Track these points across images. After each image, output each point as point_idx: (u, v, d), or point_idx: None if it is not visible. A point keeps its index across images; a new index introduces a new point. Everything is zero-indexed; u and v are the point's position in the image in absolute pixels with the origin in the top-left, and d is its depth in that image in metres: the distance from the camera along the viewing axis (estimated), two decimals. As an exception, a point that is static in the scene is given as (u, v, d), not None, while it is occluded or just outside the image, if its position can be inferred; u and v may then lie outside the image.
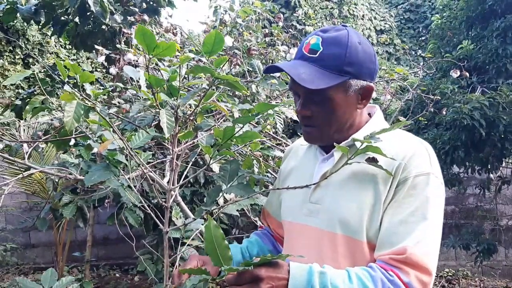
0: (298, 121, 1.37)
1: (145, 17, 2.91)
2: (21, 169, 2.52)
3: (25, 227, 5.05)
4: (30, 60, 6.92)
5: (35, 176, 3.77)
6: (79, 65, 1.06)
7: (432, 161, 1.01)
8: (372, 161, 0.95)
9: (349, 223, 1.00)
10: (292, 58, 1.16)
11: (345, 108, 1.03)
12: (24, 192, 4.54)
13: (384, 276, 0.91)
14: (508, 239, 4.84)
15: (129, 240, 1.88)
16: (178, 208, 1.70)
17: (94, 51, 2.76)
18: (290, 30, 4.87)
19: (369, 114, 1.14)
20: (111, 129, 1.13)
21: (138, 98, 2.16)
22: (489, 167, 3.64)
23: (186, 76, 1.42)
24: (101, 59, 2.56)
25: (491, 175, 4.17)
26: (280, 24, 3.38)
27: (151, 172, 1.29)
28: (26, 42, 6.84)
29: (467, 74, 3.28)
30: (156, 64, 1.61)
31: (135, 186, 1.29)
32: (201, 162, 2.58)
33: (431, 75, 4.21)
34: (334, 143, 1.00)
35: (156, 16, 3.59)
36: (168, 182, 1.43)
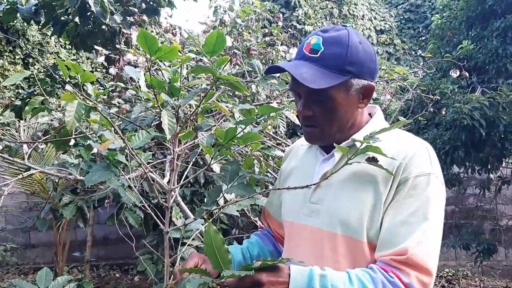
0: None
1: (144, 17, 2.91)
2: (21, 170, 2.52)
3: (25, 227, 5.05)
4: (30, 60, 6.92)
5: (35, 176, 3.77)
6: (79, 65, 1.06)
7: (432, 161, 1.01)
8: (372, 160, 0.95)
9: (350, 223, 1.00)
10: (292, 58, 1.16)
11: (347, 108, 1.03)
12: (24, 192, 4.54)
13: (384, 277, 0.91)
14: (508, 239, 4.84)
15: (129, 240, 1.88)
16: (178, 208, 1.70)
17: (94, 51, 2.76)
18: (290, 29, 4.87)
19: (369, 114, 1.14)
20: (113, 129, 1.13)
21: (138, 98, 2.16)
22: (489, 167, 3.64)
23: (186, 76, 1.42)
24: (101, 59, 2.56)
25: (491, 175, 4.17)
26: (280, 24, 3.38)
27: (152, 172, 1.29)
28: (26, 42, 6.84)
29: (467, 74, 3.28)
30: (156, 64, 1.61)
31: (135, 186, 1.29)
32: (201, 162, 2.58)
33: (431, 75, 4.21)
34: (334, 144, 1.00)
35: (156, 16, 3.59)
36: (168, 182, 1.43)
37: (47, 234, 4.96)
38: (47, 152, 4.13)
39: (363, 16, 9.80)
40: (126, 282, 4.86)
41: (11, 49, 6.77)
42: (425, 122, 3.80)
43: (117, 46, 3.18)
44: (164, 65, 1.50)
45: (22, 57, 6.87)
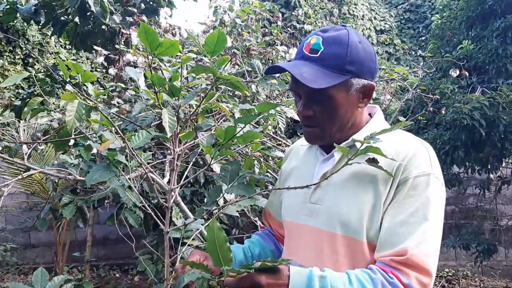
0: (298, 121, 1.37)
1: (144, 17, 2.90)
2: (21, 170, 2.52)
3: (25, 227, 5.06)
4: (30, 60, 6.91)
5: (35, 177, 3.76)
6: (79, 65, 1.06)
7: (432, 161, 1.01)
8: (373, 161, 0.95)
9: (349, 224, 1.00)
10: (292, 58, 1.16)
11: (347, 107, 1.03)
12: (24, 192, 4.54)
13: (384, 278, 0.91)
14: (508, 239, 4.84)
15: (129, 240, 1.88)
16: (178, 208, 1.69)
17: (93, 51, 2.76)
18: (290, 29, 4.87)
19: (369, 114, 1.14)
20: (113, 129, 1.13)
21: (138, 98, 2.15)
22: (489, 167, 3.65)
23: (186, 76, 1.42)
24: (100, 59, 2.55)
25: (491, 175, 4.17)
26: (280, 23, 3.38)
27: (152, 172, 1.29)
28: (26, 42, 6.84)
29: (467, 73, 3.27)
30: (156, 63, 1.61)
31: (135, 186, 1.29)
32: (201, 162, 2.58)
33: (431, 75, 4.21)
34: (334, 144, 1.00)
35: (156, 17, 3.58)
36: (168, 182, 1.43)
37: (47, 234, 4.96)
38: (47, 152, 4.13)
39: (363, 16, 9.80)
40: (126, 282, 4.86)
41: (11, 49, 6.77)
42: (425, 122, 3.80)
43: (117, 46, 3.18)
44: (165, 65, 1.50)
45: (22, 57, 6.87)
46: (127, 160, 1.17)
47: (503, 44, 3.61)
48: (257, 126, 1.31)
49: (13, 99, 6.20)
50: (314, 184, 1.07)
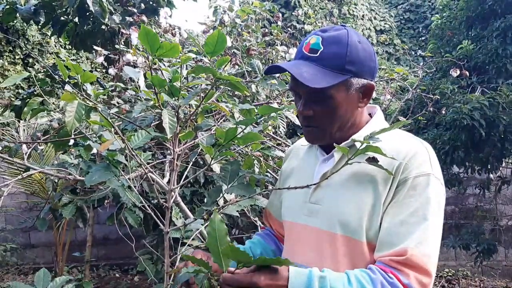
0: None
1: (144, 17, 2.90)
2: (21, 170, 2.52)
3: (25, 227, 5.05)
4: (30, 60, 6.91)
5: (34, 177, 3.76)
6: (79, 65, 1.06)
7: (432, 161, 1.01)
8: (373, 161, 0.94)
9: (349, 224, 1.00)
10: (292, 58, 1.16)
11: (347, 107, 1.03)
12: (24, 192, 4.53)
13: (383, 278, 0.91)
14: (508, 239, 4.84)
15: (129, 240, 1.88)
16: (177, 208, 1.69)
17: (93, 51, 2.76)
18: (289, 29, 4.87)
19: (369, 114, 1.14)
20: (113, 130, 1.13)
21: (138, 98, 2.15)
22: (489, 167, 3.65)
23: (186, 76, 1.42)
24: (100, 59, 2.55)
25: (491, 175, 4.17)
26: (280, 23, 3.38)
27: (152, 172, 1.29)
28: (26, 42, 6.84)
29: (467, 73, 3.27)
30: (156, 64, 1.61)
31: (135, 187, 1.29)
32: (201, 162, 2.58)
33: (431, 75, 4.21)
34: (334, 144, 1.00)
35: (155, 17, 3.58)
36: (168, 182, 1.43)
37: (47, 234, 4.96)
38: (46, 152, 4.12)
39: (363, 16, 9.81)
40: (126, 282, 4.86)
41: (11, 49, 6.77)
42: (425, 122, 3.80)
43: (117, 46, 3.18)
44: (164, 65, 1.50)
45: (22, 57, 6.87)
46: (126, 160, 1.17)
47: (503, 44, 3.61)
48: (257, 126, 1.31)
49: (13, 99, 6.20)
50: (314, 184, 1.07)
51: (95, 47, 2.65)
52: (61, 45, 7.30)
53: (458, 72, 3.23)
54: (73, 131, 1.25)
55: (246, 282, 0.86)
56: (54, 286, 1.25)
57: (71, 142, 2.09)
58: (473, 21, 4.00)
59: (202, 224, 1.28)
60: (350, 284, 0.90)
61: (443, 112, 3.36)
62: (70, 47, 6.99)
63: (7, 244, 4.94)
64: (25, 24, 6.54)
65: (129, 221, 2.44)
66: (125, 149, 1.13)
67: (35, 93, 2.78)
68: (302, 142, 1.25)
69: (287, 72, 1.18)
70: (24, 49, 6.82)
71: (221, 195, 1.14)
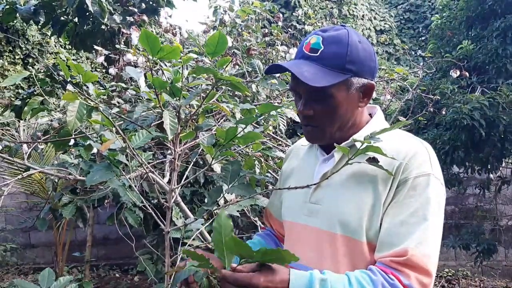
0: (298, 121, 1.36)
1: (144, 17, 2.91)
2: (21, 170, 2.52)
3: (25, 227, 5.05)
4: (30, 60, 6.91)
5: (34, 176, 3.76)
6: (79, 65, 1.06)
7: (432, 161, 1.01)
8: (373, 161, 0.94)
9: (349, 224, 1.00)
10: (292, 58, 1.16)
11: (347, 106, 1.03)
12: (24, 192, 4.53)
13: (384, 279, 0.91)
14: (508, 239, 4.84)
15: (129, 240, 1.88)
16: (178, 208, 1.69)
17: (93, 51, 2.76)
18: (290, 30, 4.87)
19: (369, 114, 1.14)
20: (114, 129, 1.13)
21: (138, 98, 2.15)
22: (489, 167, 3.65)
23: (187, 76, 1.42)
24: (101, 59, 2.55)
25: (491, 175, 4.17)
26: (280, 24, 3.38)
27: (153, 172, 1.29)
28: (26, 42, 6.84)
29: (467, 74, 3.28)
30: (157, 64, 1.61)
31: (135, 186, 1.29)
32: (201, 162, 2.58)
33: (431, 75, 4.21)
34: (335, 144, 1.00)
35: (156, 16, 3.59)
36: (168, 182, 1.43)
37: (47, 234, 4.96)
38: (47, 152, 4.12)
39: (363, 16, 9.81)
40: (126, 282, 4.86)
41: (11, 49, 6.76)
42: (425, 122, 3.80)
43: (117, 46, 3.18)
44: (165, 65, 1.50)
45: (22, 57, 6.87)
46: (127, 160, 1.17)
47: (503, 44, 3.61)
48: (258, 126, 1.31)
49: (13, 99, 6.20)
50: (314, 184, 1.07)
51: (95, 47, 2.65)
52: (61, 45, 7.30)
53: (458, 73, 3.24)
54: (73, 131, 1.25)
55: (246, 282, 0.86)
56: (58, 286, 1.25)
57: (72, 142, 2.09)
58: (473, 21, 4.00)
59: (202, 224, 1.28)
60: (350, 285, 0.90)
61: (443, 112, 3.36)
62: (70, 47, 6.99)
63: (7, 244, 4.94)
64: (25, 24, 6.54)
65: (129, 221, 2.43)
66: (126, 148, 1.14)
67: (35, 93, 2.78)
68: (302, 142, 1.25)
69: (287, 72, 1.18)
70: (24, 49, 6.81)
71: (221, 195, 1.14)
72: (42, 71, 6.07)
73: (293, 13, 8.77)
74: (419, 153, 1.00)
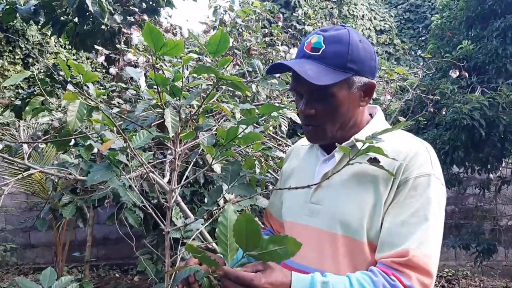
0: (298, 121, 1.36)
1: (145, 17, 2.91)
2: (21, 169, 2.52)
3: (25, 227, 5.05)
4: (30, 60, 6.91)
5: (35, 176, 3.77)
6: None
7: (433, 162, 1.01)
8: (374, 161, 0.94)
9: (350, 224, 1.00)
10: (292, 59, 1.16)
11: (349, 105, 1.03)
12: (24, 192, 4.53)
13: (385, 280, 0.90)
14: (508, 239, 4.84)
15: (129, 240, 1.88)
16: (178, 208, 1.69)
17: (93, 51, 2.76)
18: (290, 30, 4.87)
19: (370, 114, 1.14)
20: (115, 129, 1.13)
21: (139, 98, 2.15)
22: (489, 167, 3.65)
23: (187, 76, 1.42)
24: (101, 59, 2.55)
25: (491, 175, 4.17)
26: (280, 24, 3.38)
27: (153, 172, 1.29)
28: (26, 42, 6.84)
29: (467, 74, 3.28)
30: (158, 64, 1.61)
31: (135, 186, 1.29)
32: (201, 162, 2.58)
33: (430, 75, 4.21)
34: (336, 144, 1.00)
35: (156, 16, 3.59)
36: (169, 182, 1.43)
37: (47, 234, 4.96)
38: (47, 152, 4.12)
39: (363, 16, 9.81)
40: (126, 282, 4.86)
41: (11, 49, 6.76)
42: (425, 122, 3.80)
43: (117, 46, 3.18)
44: (166, 65, 1.50)
45: (22, 57, 6.87)
46: (128, 160, 1.17)
47: (503, 44, 3.61)
48: (258, 126, 1.31)
49: (13, 99, 6.20)
50: (315, 184, 1.07)
51: (95, 46, 2.65)
52: (61, 45, 7.30)
53: (458, 73, 3.24)
54: (73, 131, 1.25)
55: (247, 281, 0.85)
56: (59, 285, 1.25)
57: (72, 142, 2.09)
58: (473, 21, 4.01)
59: (202, 224, 1.28)
60: (352, 287, 0.90)
61: (443, 112, 3.36)
62: (70, 47, 6.99)
63: (7, 244, 4.94)
64: (25, 24, 6.54)
65: (129, 221, 2.43)
66: (127, 148, 1.14)
67: (35, 93, 2.78)
68: (302, 142, 1.25)
69: (287, 72, 1.18)
70: (24, 49, 6.81)
71: (221, 195, 1.14)
72: (42, 71, 6.07)
73: (293, 13, 8.77)
74: (419, 153, 1.00)
